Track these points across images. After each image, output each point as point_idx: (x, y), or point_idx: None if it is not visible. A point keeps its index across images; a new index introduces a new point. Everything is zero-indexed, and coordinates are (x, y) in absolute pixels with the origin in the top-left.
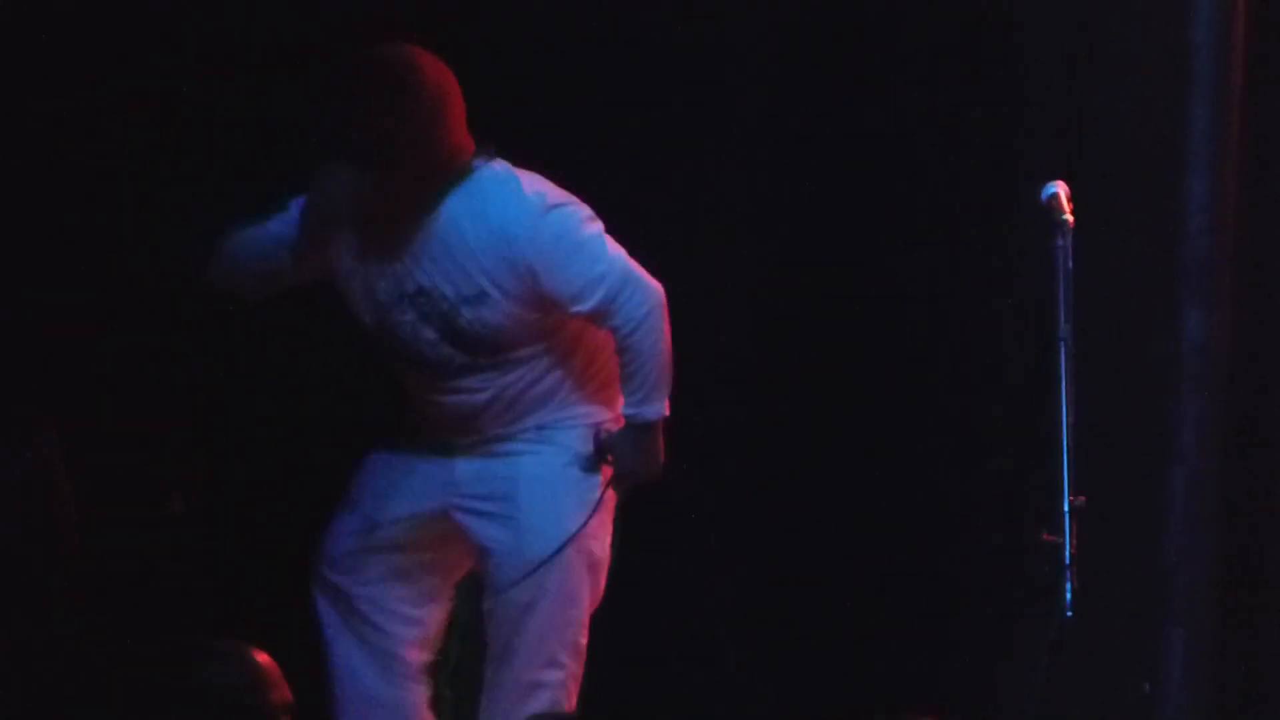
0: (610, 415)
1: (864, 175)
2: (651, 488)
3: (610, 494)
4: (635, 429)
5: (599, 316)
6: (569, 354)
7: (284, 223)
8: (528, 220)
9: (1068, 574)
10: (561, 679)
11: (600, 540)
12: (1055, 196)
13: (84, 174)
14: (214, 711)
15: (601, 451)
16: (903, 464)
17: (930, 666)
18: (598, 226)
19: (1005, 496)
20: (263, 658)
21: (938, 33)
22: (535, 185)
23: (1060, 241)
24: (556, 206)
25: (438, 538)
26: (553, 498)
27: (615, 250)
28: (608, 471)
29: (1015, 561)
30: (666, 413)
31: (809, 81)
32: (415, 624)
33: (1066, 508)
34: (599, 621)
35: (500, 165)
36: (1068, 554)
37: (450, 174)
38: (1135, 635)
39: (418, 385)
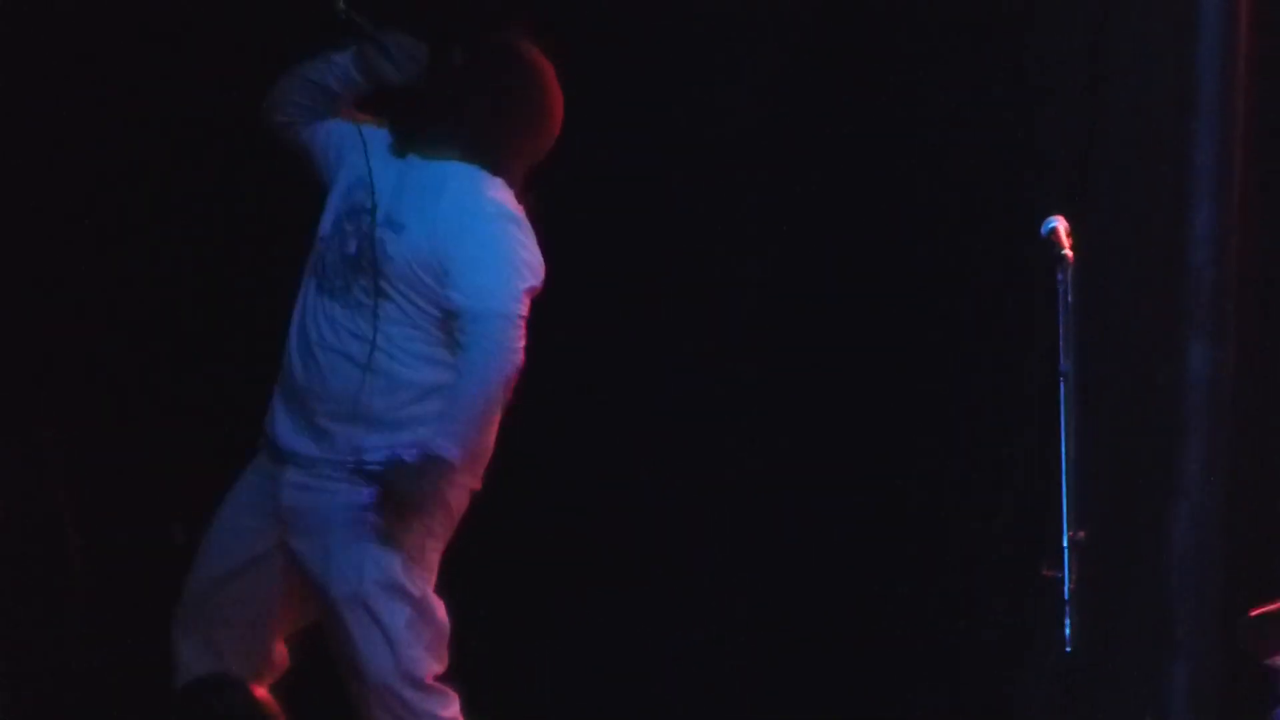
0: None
1: (874, 206)
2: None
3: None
4: (425, 458)
5: (457, 321)
6: (436, 389)
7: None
8: (475, 215)
9: (1067, 609)
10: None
11: (411, 574)
12: (1055, 231)
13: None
14: None
15: (385, 471)
16: (914, 492)
17: (939, 687)
18: (528, 261)
19: (1014, 527)
20: (261, 693)
21: (948, 66)
22: (498, 193)
23: (1060, 276)
24: (505, 220)
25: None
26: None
27: (519, 299)
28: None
29: (1022, 593)
30: (456, 461)
31: (817, 115)
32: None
33: (1066, 543)
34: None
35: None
36: (1067, 590)
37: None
38: (1139, 668)
39: (314, 326)
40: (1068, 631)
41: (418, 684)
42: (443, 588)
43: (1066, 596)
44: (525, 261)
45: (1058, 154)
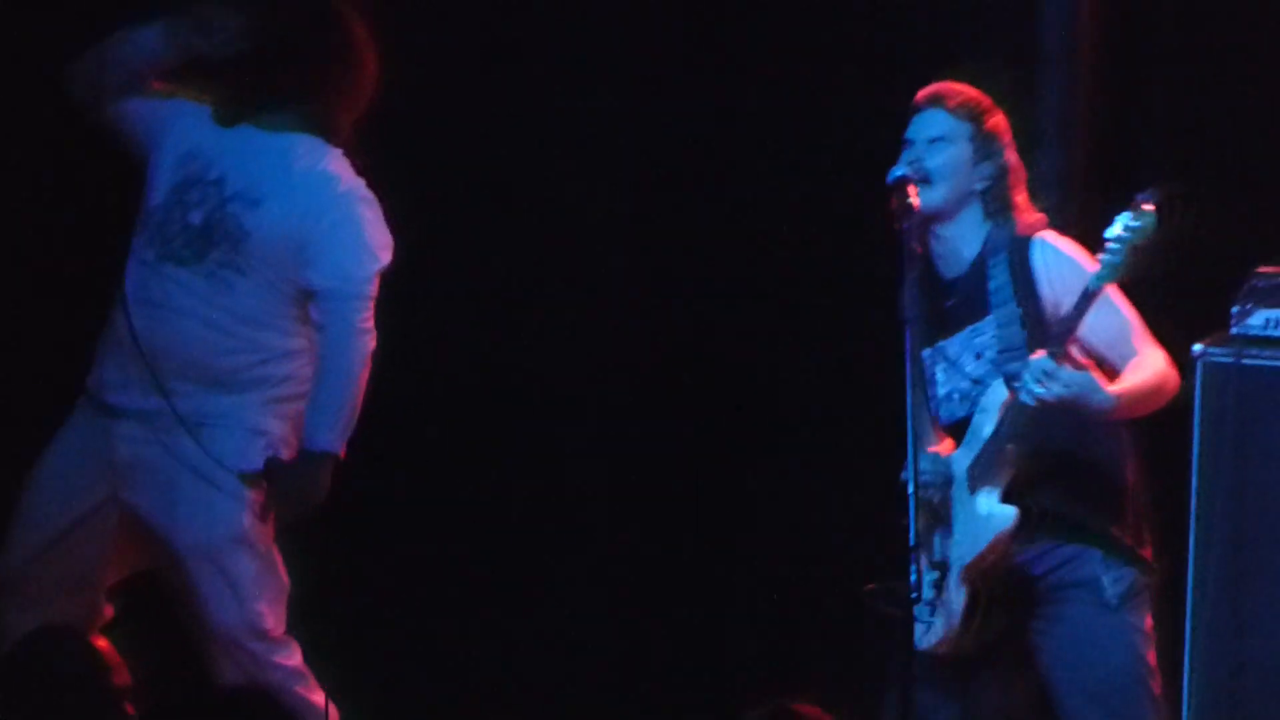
0: (283, 442)
1: (725, 185)
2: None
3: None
4: (306, 458)
5: (313, 299)
6: (285, 354)
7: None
8: (329, 194)
9: (912, 557)
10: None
11: (257, 529)
12: (901, 179)
13: None
14: (55, 696)
15: (267, 474)
16: (775, 467)
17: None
18: (381, 242)
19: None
20: (102, 643)
21: (798, 31)
22: (344, 169)
23: (906, 225)
24: (358, 200)
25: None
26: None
27: (372, 280)
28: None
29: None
30: (338, 452)
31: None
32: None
33: (911, 490)
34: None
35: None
36: (912, 537)
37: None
38: None
39: (159, 290)
40: (913, 579)
41: (263, 635)
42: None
43: (912, 544)
44: (379, 243)
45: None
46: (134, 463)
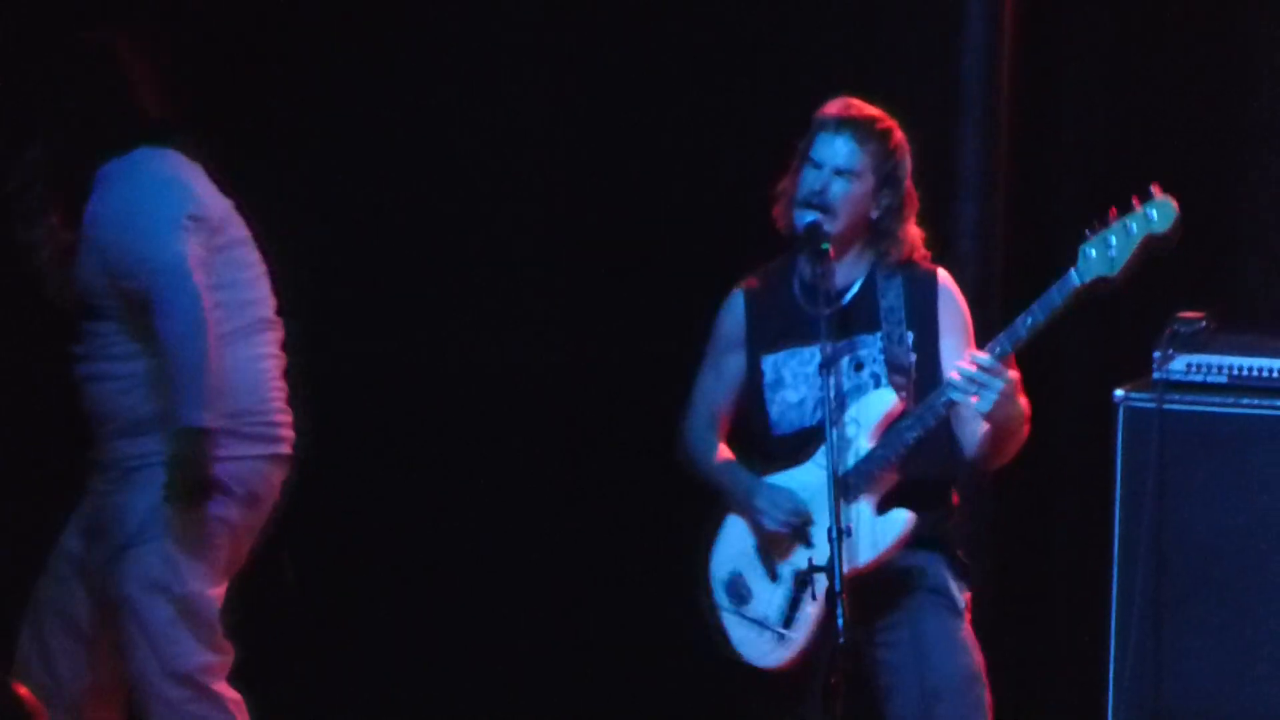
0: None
1: (642, 203)
2: None
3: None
4: (176, 437)
5: (146, 301)
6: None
7: None
8: (113, 206)
9: (839, 602)
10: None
11: (178, 570)
12: (811, 226)
13: None
14: None
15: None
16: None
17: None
18: (169, 199)
19: None
20: (23, 690)
21: (724, 69)
22: (120, 166)
23: (819, 270)
24: (131, 183)
25: None
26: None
27: (177, 237)
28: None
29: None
30: (204, 422)
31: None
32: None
33: (838, 531)
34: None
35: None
36: (838, 581)
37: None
38: None
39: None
40: (840, 624)
41: (183, 680)
42: None
43: (837, 588)
44: (166, 202)
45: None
46: (91, 519)
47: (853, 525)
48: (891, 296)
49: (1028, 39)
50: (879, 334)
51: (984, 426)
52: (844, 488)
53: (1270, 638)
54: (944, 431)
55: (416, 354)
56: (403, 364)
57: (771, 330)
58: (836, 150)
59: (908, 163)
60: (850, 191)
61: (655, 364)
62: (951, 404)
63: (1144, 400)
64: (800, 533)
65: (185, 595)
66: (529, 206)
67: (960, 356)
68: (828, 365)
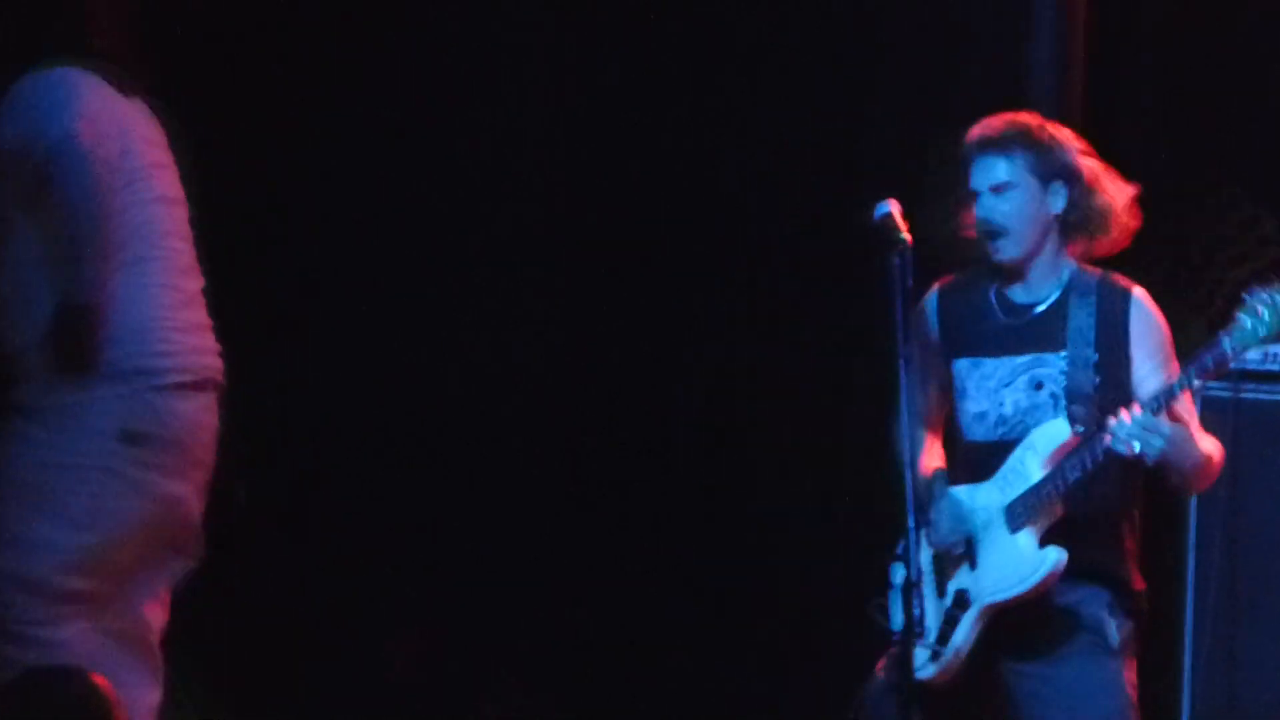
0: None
1: (708, 200)
2: None
3: None
4: (60, 312)
5: (36, 177)
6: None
7: None
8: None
9: (915, 595)
10: None
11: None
12: (889, 216)
13: None
14: None
15: None
16: (755, 488)
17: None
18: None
19: (855, 520)
20: (101, 680)
21: (775, 52)
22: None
23: (897, 260)
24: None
25: None
26: None
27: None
28: None
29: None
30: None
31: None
32: None
33: (911, 524)
34: None
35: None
36: (913, 571)
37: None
38: None
39: None
40: (916, 612)
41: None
42: None
43: (913, 580)
44: (64, 102)
45: (893, 146)
46: None
47: (1010, 549)
48: (1082, 316)
49: (1098, 51)
50: (1063, 354)
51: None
52: (1012, 515)
53: None
54: (1116, 466)
55: (416, 353)
56: (402, 363)
57: (960, 336)
58: (986, 169)
59: (1075, 147)
60: (1014, 204)
61: (654, 363)
62: (1104, 458)
63: (1220, 389)
64: (968, 552)
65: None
66: (528, 206)
67: (1158, 378)
68: (908, 360)
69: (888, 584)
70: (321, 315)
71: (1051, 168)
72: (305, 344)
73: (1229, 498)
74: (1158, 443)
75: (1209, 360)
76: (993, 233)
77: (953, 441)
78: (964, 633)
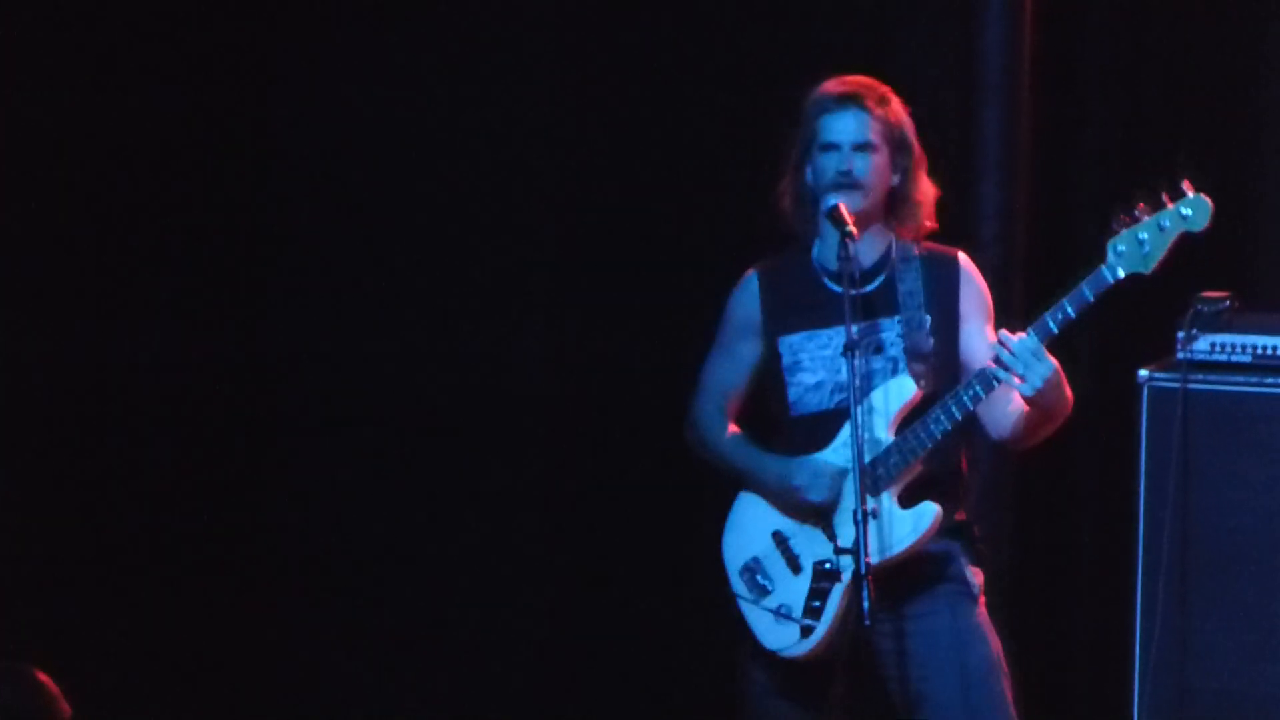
0: None
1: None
2: None
3: None
4: None
5: None
6: None
7: None
8: None
9: (865, 584)
10: None
11: None
12: (836, 209)
13: None
14: None
15: None
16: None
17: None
18: None
19: None
20: (43, 676)
21: (732, 55)
22: None
23: (844, 254)
24: None
25: None
26: None
27: None
28: None
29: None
30: None
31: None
32: None
33: (863, 513)
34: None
35: None
36: (863, 563)
37: None
38: None
39: None
40: (865, 606)
41: None
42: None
43: (863, 571)
44: None
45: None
46: None
47: (879, 513)
48: (910, 280)
49: (1048, 19)
50: (897, 318)
51: (1018, 408)
52: (871, 477)
53: None
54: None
55: (415, 352)
56: (401, 361)
57: (790, 312)
58: (847, 126)
59: (910, 123)
60: (873, 164)
61: (653, 362)
62: (981, 397)
63: (1168, 380)
64: (823, 519)
65: None
66: (528, 204)
67: (982, 340)
68: (852, 348)
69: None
70: (320, 316)
71: (901, 141)
72: (304, 344)
73: (1178, 488)
74: (1042, 370)
75: (1087, 291)
76: (851, 185)
77: (771, 423)
78: (835, 603)
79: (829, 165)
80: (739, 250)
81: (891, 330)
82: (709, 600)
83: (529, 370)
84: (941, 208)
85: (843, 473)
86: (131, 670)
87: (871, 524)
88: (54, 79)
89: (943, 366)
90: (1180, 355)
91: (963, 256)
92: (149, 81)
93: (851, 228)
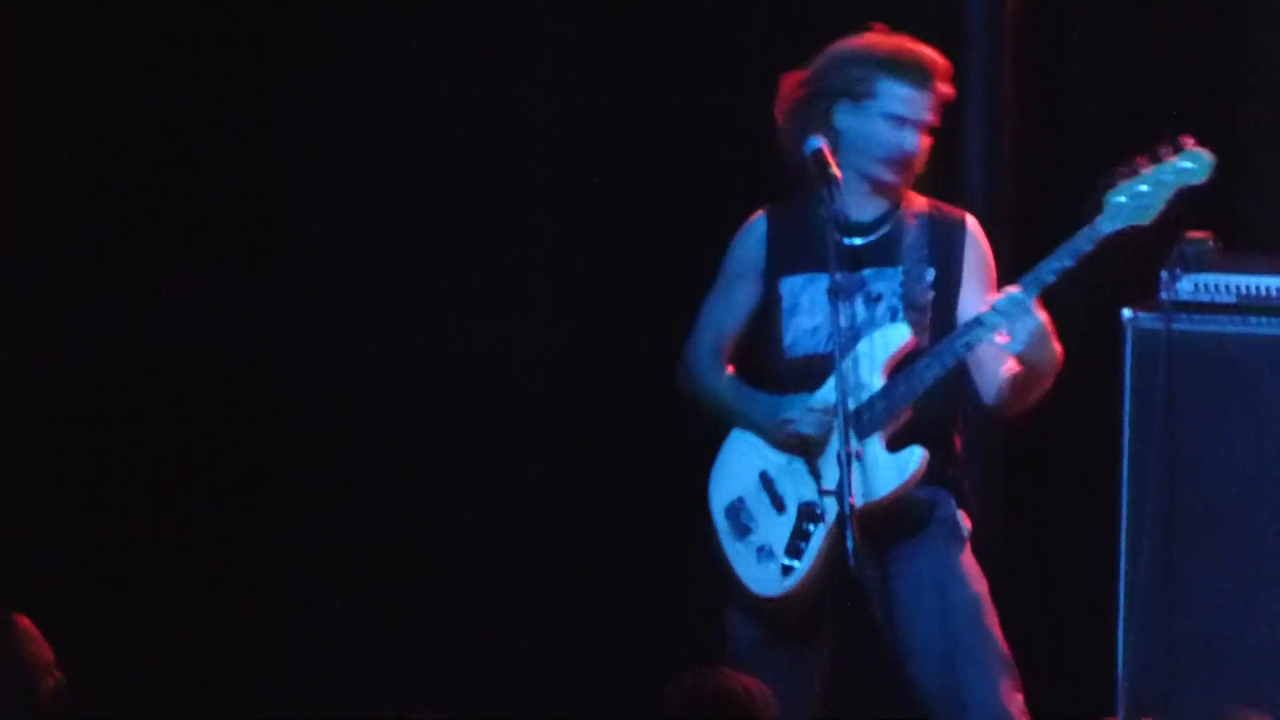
0: None
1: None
2: None
3: None
4: None
5: None
6: None
7: None
8: None
9: (848, 524)
10: None
11: None
12: (819, 152)
13: None
14: None
15: None
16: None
17: None
18: None
19: None
20: (21, 619)
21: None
22: None
23: (826, 195)
24: None
25: None
26: None
27: None
28: None
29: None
30: None
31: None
32: None
33: (847, 455)
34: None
35: None
36: (847, 504)
37: None
38: None
39: None
40: (850, 545)
41: None
42: None
43: (848, 511)
44: None
45: None
46: None
47: (865, 457)
48: (915, 233)
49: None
50: (899, 269)
51: (1009, 369)
52: (857, 421)
53: None
54: (955, 371)
55: (414, 351)
56: (399, 359)
57: (793, 254)
58: (922, 104)
59: None
60: (923, 148)
61: (653, 361)
62: (973, 346)
63: (1152, 321)
64: (809, 460)
65: None
66: (528, 203)
67: (981, 303)
68: (837, 292)
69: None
70: (320, 315)
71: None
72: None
73: (1163, 428)
74: (1031, 324)
75: (1084, 243)
76: (909, 171)
77: (765, 364)
78: (817, 544)
79: (891, 139)
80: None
81: (893, 280)
82: (707, 601)
83: (529, 370)
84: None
85: (833, 410)
86: (131, 669)
87: (857, 467)
88: (54, 79)
89: (939, 321)
90: (1164, 296)
91: (970, 219)
92: (149, 80)
93: (835, 170)
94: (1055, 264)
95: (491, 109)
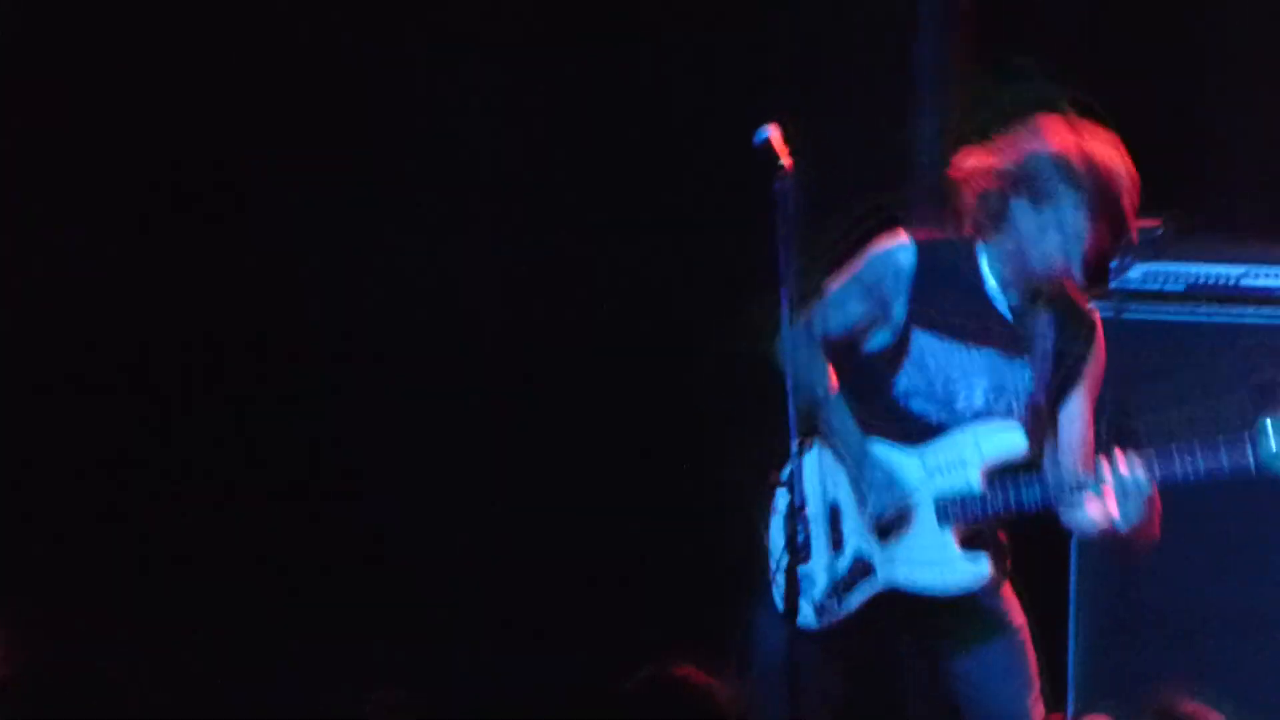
0: None
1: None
2: None
3: None
4: None
5: None
6: None
7: None
8: None
9: (799, 517)
10: None
11: None
12: (768, 142)
13: None
14: None
15: None
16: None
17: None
18: None
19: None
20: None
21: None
22: None
23: (778, 185)
24: None
25: None
26: None
27: None
28: None
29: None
30: None
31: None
32: None
33: (795, 449)
34: None
35: None
36: (797, 497)
37: None
38: None
39: None
40: (800, 540)
41: None
42: None
43: (797, 504)
44: None
45: (778, 60)
46: None
47: (932, 543)
48: (1043, 324)
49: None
50: (1026, 359)
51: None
52: (942, 511)
53: (1234, 539)
54: None
55: (414, 350)
56: (399, 359)
57: (940, 310)
58: (1085, 226)
59: None
60: None
61: (652, 359)
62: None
63: (1102, 310)
64: (888, 528)
65: None
66: (527, 201)
67: (1083, 417)
68: (787, 286)
69: (770, 510)
70: (319, 316)
71: None
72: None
73: (1115, 416)
74: (1141, 509)
75: (1224, 460)
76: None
77: (874, 390)
78: (859, 599)
79: (1060, 253)
80: (738, 249)
81: (1022, 373)
82: (709, 600)
83: (524, 364)
84: (878, 135)
85: (909, 503)
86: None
87: (925, 548)
88: (53, 77)
89: (1044, 426)
90: (1114, 284)
91: (1099, 321)
92: (149, 78)
93: (784, 160)
94: (1187, 467)
95: (491, 107)
